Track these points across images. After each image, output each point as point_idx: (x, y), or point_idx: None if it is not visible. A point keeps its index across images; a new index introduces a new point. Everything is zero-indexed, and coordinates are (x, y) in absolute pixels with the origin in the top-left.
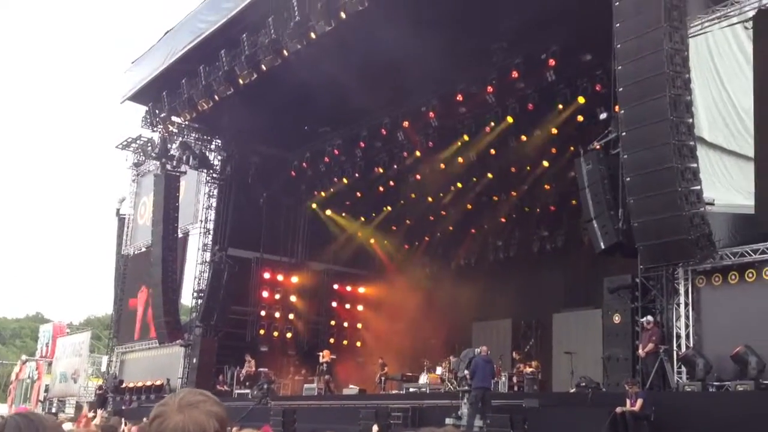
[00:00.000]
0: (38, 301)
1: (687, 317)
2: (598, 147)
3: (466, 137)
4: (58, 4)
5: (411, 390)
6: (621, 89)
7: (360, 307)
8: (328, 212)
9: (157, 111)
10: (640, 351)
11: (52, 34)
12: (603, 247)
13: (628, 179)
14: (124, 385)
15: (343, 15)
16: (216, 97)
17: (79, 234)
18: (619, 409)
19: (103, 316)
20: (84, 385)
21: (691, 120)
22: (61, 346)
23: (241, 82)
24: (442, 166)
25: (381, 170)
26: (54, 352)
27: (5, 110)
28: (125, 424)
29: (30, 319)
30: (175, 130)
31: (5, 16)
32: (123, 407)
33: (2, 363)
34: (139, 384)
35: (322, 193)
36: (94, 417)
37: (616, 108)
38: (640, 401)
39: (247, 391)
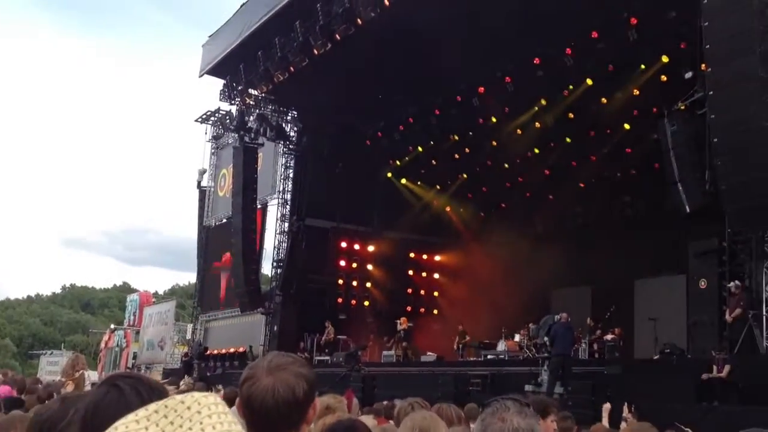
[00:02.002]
0: (125, 271)
1: None
2: (683, 107)
3: (543, 101)
4: None
5: (489, 357)
6: (708, 47)
7: (436, 275)
8: (404, 181)
9: (234, 84)
10: (728, 316)
11: (132, 12)
12: (688, 210)
13: (716, 140)
14: (208, 352)
15: None
16: (291, 69)
17: (162, 205)
18: (705, 376)
19: (186, 286)
20: (170, 352)
21: None
22: (148, 315)
23: (315, 52)
24: (519, 131)
25: (456, 137)
26: (141, 321)
27: (90, 88)
28: (211, 391)
29: (117, 289)
30: (252, 103)
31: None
32: (208, 373)
33: (92, 332)
34: (223, 351)
35: (398, 162)
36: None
37: (703, 66)
38: (727, 367)
39: (327, 357)
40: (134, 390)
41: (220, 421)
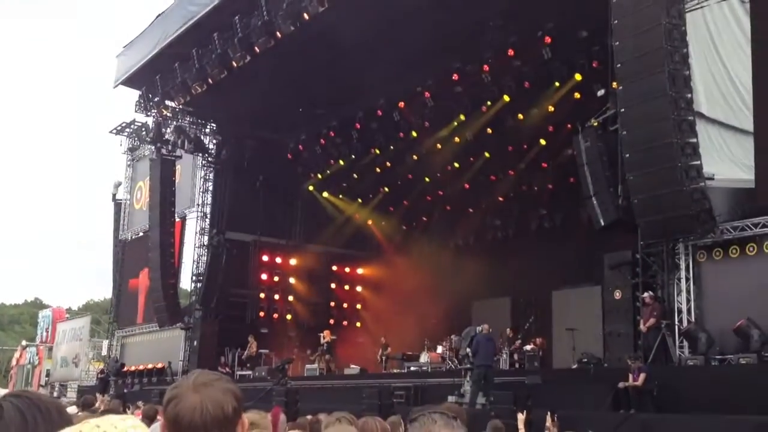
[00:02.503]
0: (36, 286)
1: (688, 292)
2: (596, 124)
3: (462, 116)
4: None
5: (412, 369)
6: (619, 65)
7: (359, 288)
8: (325, 194)
9: (150, 95)
10: (642, 326)
11: (43, 19)
12: (603, 223)
13: (627, 155)
14: (125, 369)
15: None
16: (210, 81)
17: (76, 219)
18: (621, 384)
19: (101, 301)
20: (85, 369)
21: (690, 95)
22: (61, 331)
23: (234, 64)
24: (439, 146)
25: (377, 151)
26: (54, 338)
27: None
28: (128, 409)
29: (29, 305)
30: (169, 115)
31: None
32: (125, 390)
33: (2, 349)
34: (141, 367)
35: (319, 176)
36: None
37: (614, 84)
38: (642, 376)
39: (249, 372)
40: (16, 410)
41: None
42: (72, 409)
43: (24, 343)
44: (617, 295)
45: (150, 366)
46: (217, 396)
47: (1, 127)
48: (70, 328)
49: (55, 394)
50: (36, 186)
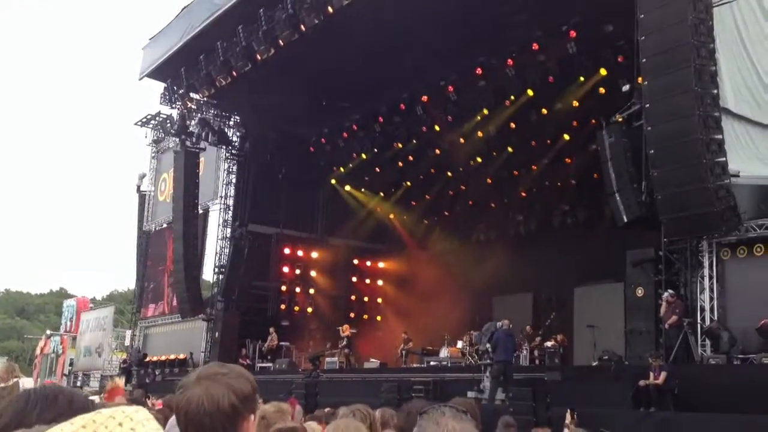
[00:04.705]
0: (62, 276)
1: (711, 290)
2: (620, 119)
3: (485, 111)
4: None
5: (432, 363)
6: (644, 60)
7: (380, 282)
8: (348, 188)
9: (175, 87)
10: (664, 324)
11: (70, 12)
12: (626, 220)
13: (652, 152)
14: (147, 359)
15: None
16: (234, 73)
17: (100, 210)
18: (642, 382)
19: (125, 291)
20: (108, 359)
21: (716, 91)
22: (85, 321)
23: (258, 57)
24: (462, 140)
25: (400, 145)
26: (78, 327)
27: (26, 87)
28: (149, 398)
29: (54, 295)
30: (193, 107)
31: None
32: (147, 380)
33: (27, 337)
34: (163, 358)
35: (341, 169)
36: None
37: (639, 79)
38: (663, 374)
39: (270, 364)
40: (23, 396)
41: None
42: (95, 399)
43: (48, 332)
44: (639, 292)
45: (172, 357)
46: (215, 391)
47: (27, 115)
48: (94, 318)
49: (78, 384)
50: (61, 177)
